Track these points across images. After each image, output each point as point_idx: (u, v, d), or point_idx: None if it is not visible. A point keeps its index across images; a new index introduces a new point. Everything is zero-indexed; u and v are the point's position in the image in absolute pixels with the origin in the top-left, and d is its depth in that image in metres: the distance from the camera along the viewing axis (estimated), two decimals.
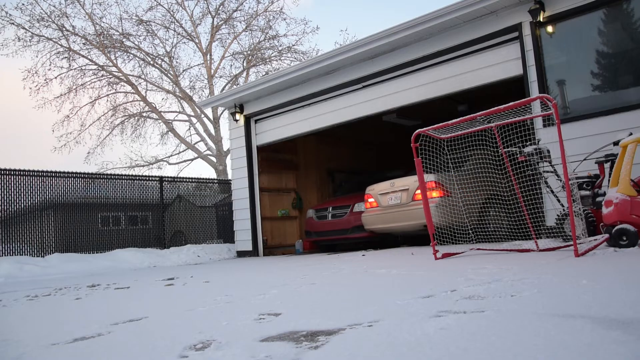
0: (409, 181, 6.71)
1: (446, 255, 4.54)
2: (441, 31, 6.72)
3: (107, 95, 19.05)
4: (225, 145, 18.86)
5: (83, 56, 18.22)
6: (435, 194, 6.18)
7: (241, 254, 9.73)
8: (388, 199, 6.95)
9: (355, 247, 8.07)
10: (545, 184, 5.05)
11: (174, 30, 19.05)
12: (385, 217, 6.96)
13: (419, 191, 5.98)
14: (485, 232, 5.80)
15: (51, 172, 11.09)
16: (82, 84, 18.49)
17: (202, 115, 19.25)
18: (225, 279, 4.40)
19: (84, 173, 11.50)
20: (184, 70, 19.92)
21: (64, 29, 17.63)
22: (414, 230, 6.72)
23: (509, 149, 4.67)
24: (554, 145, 4.32)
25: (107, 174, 12.00)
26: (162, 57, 19.17)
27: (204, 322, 2.22)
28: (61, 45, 17.89)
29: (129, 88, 18.97)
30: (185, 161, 20.25)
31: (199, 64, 21.18)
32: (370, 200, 7.35)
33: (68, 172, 11.30)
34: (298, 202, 10.58)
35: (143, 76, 19.14)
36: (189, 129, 20.00)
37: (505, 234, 5.77)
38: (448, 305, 2.07)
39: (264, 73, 19.35)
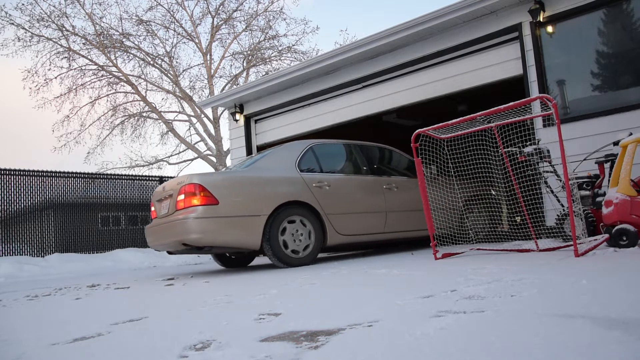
0: (173, 184, 5.07)
1: (446, 256, 4.55)
2: (441, 31, 6.72)
3: (107, 95, 19.05)
4: (225, 145, 18.86)
5: (83, 56, 18.22)
6: (195, 201, 4.66)
7: None
8: (161, 208, 5.26)
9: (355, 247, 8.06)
10: (545, 184, 5.05)
11: (174, 30, 19.06)
12: (156, 231, 5.24)
13: (180, 197, 4.76)
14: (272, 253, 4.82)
15: (51, 172, 11.08)
16: (82, 84, 18.49)
17: (202, 115, 19.25)
18: (225, 278, 4.40)
19: (84, 173, 11.50)
20: (184, 70, 19.93)
21: (63, 29, 17.63)
22: (175, 249, 5.10)
23: (509, 149, 4.68)
24: (554, 145, 4.33)
25: (107, 174, 12.00)
26: (162, 57, 19.17)
27: (204, 322, 2.22)
28: (61, 45, 17.89)
29: (129, 88, 18.98)
30: (185, 161, 20.25)
31: (199, 64, 21.19)
32: (152, 209, 5.58)
33: (68, 172, 11.29)
34: None
35: (143, 76, 19.14)
36: (189, 129, 20.00)
37: (287, 256, 4.87)
38: (448, 305, 2.07)
39: (264, 73, 19.36)
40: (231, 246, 4.85)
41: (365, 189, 5.68)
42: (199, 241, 4.63)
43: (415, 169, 6.20)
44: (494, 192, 6.50)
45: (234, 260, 6.10)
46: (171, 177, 12.32)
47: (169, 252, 5.37)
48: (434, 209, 5.85)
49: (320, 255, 7.64)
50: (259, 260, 6.94)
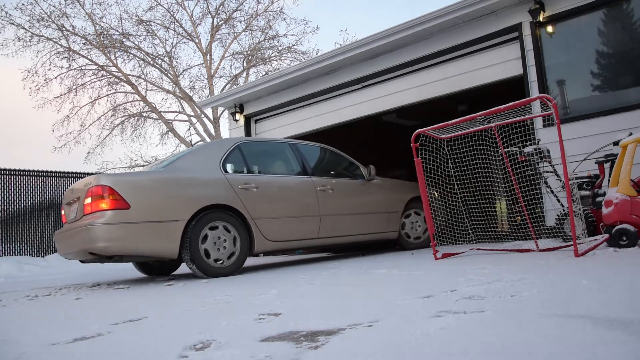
0: (81, 186, 4.56)
1: (446, 256, 4.55)
2: (441, 31, 6.72)
3: (107, 95, 19.06)
4: None
5: (83, 56, 18.23)
6: (103, 204, 4.16)
7: None
8: (70, 212, 4.72)
9: (355, 247, 8.06)
10: (545, 184, 5.05)
11: (174, 30, 19.06)
12: (64, 237, 4.74)
13: (87, 200, 4.27)
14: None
15: (51, 172, 11.08)
16: (82, 84, 18.49)
17: (202, 115, 19.26)
18: (224, 279, 4.40)
19: (84, 173, 11.50)
20: (184, 70, 19.92)
21: (63, 29, 17.63)
22: (84, 258, 4.60)
23: (509, 149, 4.68)
24: (554, 145, 4.33)
25: None
26: (162, 57, 19.18)
27: (204, 322, 2.23)
28: (61, 45, 17.89)
29: (129, 88, 18.98)
30: None
31: (199, 64, 21.19)
32: (62, 213, 5.04)
33: (68, 172, 11.29)
34: None
35: (143, 76, 19.15)
36: (189, 129, 20.02)
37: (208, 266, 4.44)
38: (448, 305, 2.07)
39: (264, 73, 19.36)
40: (145, 255, 4.42)
41: (297, 191, 5.26)
42: (107, 250, 4.20)
43: (349, 170, 5.95)
44: (436, 194, 6.43)
45: (157, 267, 5.61)
46: None
47: (81, 261, 4.90)
48: (373, 212, 5.73)
49: (319, 254, 7.64)
50: (185, 268, 6.73)
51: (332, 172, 5.87)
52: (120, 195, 4.20)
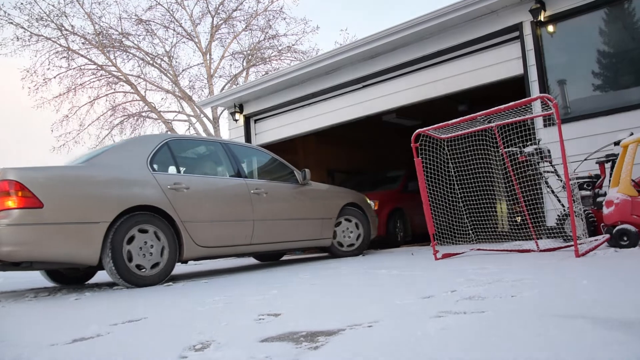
0: None
1: (446, 256, 4.54)
2: (441, 31, 6.72)
3: (106, 95, 19.06)
4: None
5: (82, 56, 18.22)
6: (10, 202, 3.61)
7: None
8: None
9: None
10: (545, 184, 5.05)
11: (174, 30, 19.06)
12: None
13: None
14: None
15: None
16: (81, 84, 18.49)
17: (202, 115, 19.25)
18: (224, 279, 4.40)
19: None
20: (183, 70, 19.92)
21: (62, 28, 17.63)
22: None
23: (509, 149, 4.67)
24: (555, 145, 4.33)
25: None
26: (161, 57, 19.17)
27: (203, 323, 2.22)
28: (60, 45, 17.89)
29: (128, 88, 18.98)
30: None
31: (198, 64, 21.16)
32: None
33: None
34: None
35: (142, 76, 19.14)
36: (189, 128, 20.01)
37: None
38: (448, 306, 2.06)
39: (263, 73, 19.35)
40: (60, 261, 3.87)
41: (230, 193, 4.93)
42: (12, 255, 3.62)
43: (282, 173, 5.68)
44: (370, 202, 6.35)
45: (69, 276, 5.10)
46: None
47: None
48: (307, 218, 5.54)
49: (319, 253, 7.62)
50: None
51: (266, 175, 5.67)
52: (31, 192, 3.67)
